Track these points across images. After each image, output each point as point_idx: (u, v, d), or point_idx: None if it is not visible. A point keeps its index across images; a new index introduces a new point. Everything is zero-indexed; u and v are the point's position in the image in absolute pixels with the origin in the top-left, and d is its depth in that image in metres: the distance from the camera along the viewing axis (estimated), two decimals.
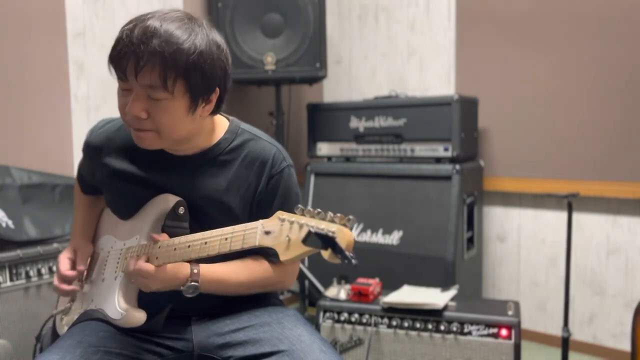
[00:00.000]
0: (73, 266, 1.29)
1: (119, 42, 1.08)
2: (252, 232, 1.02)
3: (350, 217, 0.91)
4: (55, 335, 1.32)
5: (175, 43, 1.06)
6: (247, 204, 1.25)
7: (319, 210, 0.94)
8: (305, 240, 0.91)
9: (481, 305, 2.01)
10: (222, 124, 1.28)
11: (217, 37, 1.15)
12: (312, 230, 0.90)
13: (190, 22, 1.11)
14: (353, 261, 0.87)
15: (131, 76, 1.07)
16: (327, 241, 0.88)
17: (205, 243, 1.08)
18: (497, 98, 2.81)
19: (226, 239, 1.05)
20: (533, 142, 2.73)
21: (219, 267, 1.20)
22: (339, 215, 0.92)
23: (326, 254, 0.90)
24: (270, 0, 2.67)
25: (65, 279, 1.26)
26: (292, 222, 0.95)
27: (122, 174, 1.25)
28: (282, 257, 0.96)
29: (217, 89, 1.15)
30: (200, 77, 1.09)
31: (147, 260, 1.13)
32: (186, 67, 1.07)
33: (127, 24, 1.10)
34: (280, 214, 0.98)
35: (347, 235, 0.89)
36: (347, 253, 0.87)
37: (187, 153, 1.23)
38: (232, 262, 1.24)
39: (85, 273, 1.29)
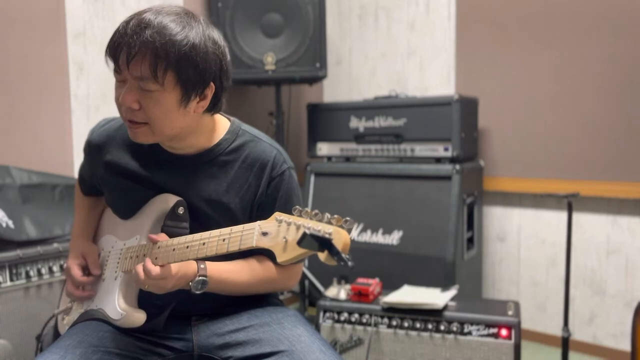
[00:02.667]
0: (84, 271, 1.29)
1: (115, 33, 1.10)
2: (249, 233, 1.01)
3: (348, 218, 0.91)
4: (56, 335, 1.32)
5: (168, 35, 1.07)
6: (247, 205, 1.25)
7: (316, 211, 0.94)
8: (300, 242, 0.91)
9: (481, 305, 2.01)
10: (223, 124, 1.28)
11: (215, 34, 1.15)
12: (308, 232, 0.89)
13: (186, 17, 1.12)
14: (349, 263, 0.87)
15: (123, 66, 1.08)
16: (324, 243, 0.88)
17: (204, 244, 1.08)
18: (497, 98, 2.81)
19: (224, 239, 1.05)
20: (533, 142, 2.73)
21: (224, 265, 1.21)
22: (336, 216, 0.91)
23: (322, 255, 0.89)
24: (270, 0, 2.67)
25: (81, 285, 1.26)
26: (289, 224, 0.95)
27: (122, 171, 1.25)
28: (279, 259, 0.95)
29: (212, 85, 1.15)
30: (192, 70, 1.09)
31: None
32: (177, 58, 1.07)
33: (126, 18, 1.11)
34: (277, 215, 0.98)
35: (343, 237, 0.89)
36: (343, 255, 0.87)
37: (187, 152, 1.23)
38: (236, 261, 1.24)
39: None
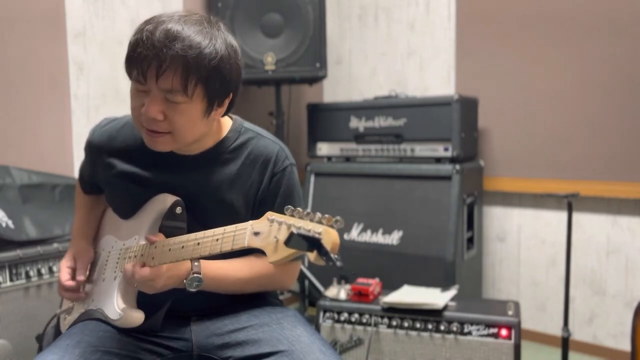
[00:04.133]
0: (73, 275, 1.29)
1: (138, 43, 1.06)
2: (241, 233, 1.01)
3: (338, 218, 0.90)
4: (57, 335, 1.33)
5: (198, 47, 1.06)
6: (250, 201, 1.25)
7: (308, 211, 0.93)
8: (287, 242, 0.90)
9: (481, 305, 2.01)
10: (225, 122, 1.29)
11: (233, 41, 1.16)
12: (295, 231, 0.89)
13: (209, 26, 1.11)
14: (338, 263, 0.86)
15: (151, 79, 1.07)
16: (313, 242, 0.87)
17: (198, 244, 1.08)
18: (497, 98, 2.81)
19: (217, 239, 1.05)
20: (533, 142, 2.73)
21: (219, 263, 1.21)
22: (326, 216, 0.91)
23: (312, 255, 0.89)
24: (270, 0, 2.67)
25: (66, 289, 1.26)
26: (280, 223, 0.94)
27: (124, 172, 1.25)
28: (270, 259, 0.95)
29: (231, 94, 1.16)
30: (219, 82, 1.10)
31: (144, 262, 1.13)
32: (208, 72, 1.07)
33: (145, 25, 1.08)
34: (269, 214, 0.98)
35: (332, 236, 0.88)
36: (332, 255, 0.86)
37: (191, 153, 1.24)
38: (233, 259, 1.24)
39: (87, 278, 1.29)
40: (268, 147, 1.27)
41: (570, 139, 2.62)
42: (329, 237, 0.88)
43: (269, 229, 0.96)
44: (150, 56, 1.05)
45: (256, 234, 0.98)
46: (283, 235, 0.93)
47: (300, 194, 1.32)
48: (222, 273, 1.20)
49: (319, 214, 0.92)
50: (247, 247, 1.00)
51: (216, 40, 1.10)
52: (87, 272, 1.30)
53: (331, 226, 0.90)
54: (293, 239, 0.89)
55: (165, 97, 1.08)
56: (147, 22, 1.09)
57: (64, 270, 1.28)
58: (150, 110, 1.08)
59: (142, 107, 1.10)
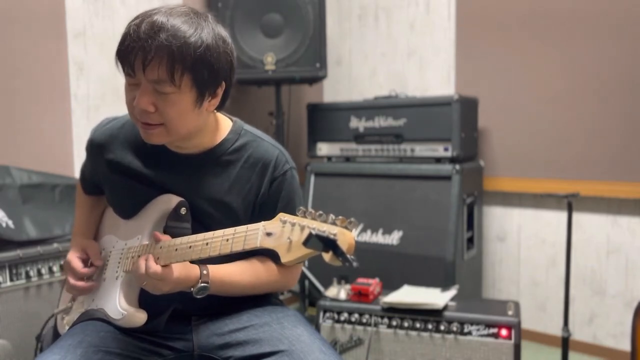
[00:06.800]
0: (86, 264, 1.28)
1: (126, 37, 1.08)
2: (253, 234, 1.01)
3: (352, 219, 0.91)
4: (56, 335, 1.32)
5: (182, 37, 1.06)
6: (249, 205, 1.25)
7: (320, 212, 0.94)
8: (306, 243, 0.91)
9: (481, 305, 2.01)
10: (225, 124, 1.28)
11: (223, 32, 1.16)
12: (314, 232, 0.90)
13: (196, 17, 1.12)
14: (354, 264, 0.88)
15: (139, 71, 1.07)
16: (329, 243, 0.88)
17: (207, 244, 1.08)
18: (497, 98, 2.81)
19: (227, 240, 1.05)
20: (533, 142, 2.73)
21: (225, 267, 1.20)
22: (340, 217, 0.92)
23: (327, 256, 0.90)
24: (270, 0, 2.67)
25: (82, 277, 1.25)
26: (293, 224, 0.95)
27: (125, 170, 1.25)
28: (284, 259, 0.96)
29: (224, 83, 1.16)
30: (207, 71, 1.10)
31: None
32: (193, 61, 1.07)
33: (133, 20, 1.10)
34: (282, 215, 0.98)
35: (348, 237, 0.89)
36: (348, 256, 0.88)
37: (190, 152, 1.23)
38: (238, 263, 1.24)
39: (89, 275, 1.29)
40: (268, 151, 1.27)
41: (570, 139, 2.62)
42: (345, 238, 0.89)
43: (281, 230, 0.97)
44: (137, 48, 1.06)
45: (268, 234, 0.99)
46: (297, 236, 0.94)
47: (300, 197, 1.32)
48: (229, 278, 1.20)
49: (332, 215, 0.93)
50: (259, 248, 1.00)
51: (202, 30, 1.10)
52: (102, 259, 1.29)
53: (345, 227, 0.91)
54: (311, 240, 0.90)
55: (155, 88, 1.08)
56: (136, 17, 1.11)
57: (75, 261, 1.27)
58: (141, 102, 1.09)
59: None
